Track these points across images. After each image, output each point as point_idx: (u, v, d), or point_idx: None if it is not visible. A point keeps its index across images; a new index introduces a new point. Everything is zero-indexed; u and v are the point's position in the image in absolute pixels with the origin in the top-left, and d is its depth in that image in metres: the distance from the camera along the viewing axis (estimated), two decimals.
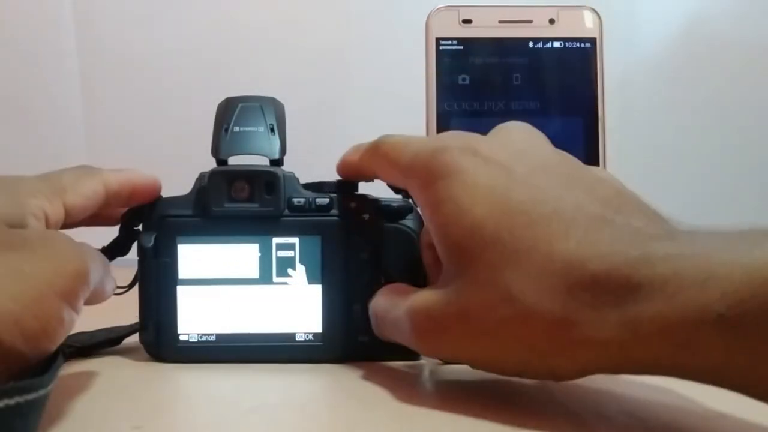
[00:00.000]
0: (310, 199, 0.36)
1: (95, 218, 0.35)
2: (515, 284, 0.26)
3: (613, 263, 0.24)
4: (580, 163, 0.30)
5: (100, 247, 0.35)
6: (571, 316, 0.24)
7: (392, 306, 0.31)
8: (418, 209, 0.34)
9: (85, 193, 0.32)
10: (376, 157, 0.33)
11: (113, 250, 0.36)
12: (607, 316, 0.24)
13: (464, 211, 0.27)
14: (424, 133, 0.37)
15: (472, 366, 0.29)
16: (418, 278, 0.35)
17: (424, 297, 0.29)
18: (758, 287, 0.20)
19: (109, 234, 0.36)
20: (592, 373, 0.26)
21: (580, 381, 0.26)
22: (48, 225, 0.30)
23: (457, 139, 0.30)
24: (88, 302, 0.28)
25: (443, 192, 0.28)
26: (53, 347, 0.25)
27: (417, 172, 0.30)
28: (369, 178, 0.35)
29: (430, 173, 0.29)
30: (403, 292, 0.31)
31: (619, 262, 0.24)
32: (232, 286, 0.36)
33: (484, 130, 0.31)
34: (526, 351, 0.26)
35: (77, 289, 0.26)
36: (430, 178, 0.29)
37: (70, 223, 0.32)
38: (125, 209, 0.36)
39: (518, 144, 0.30)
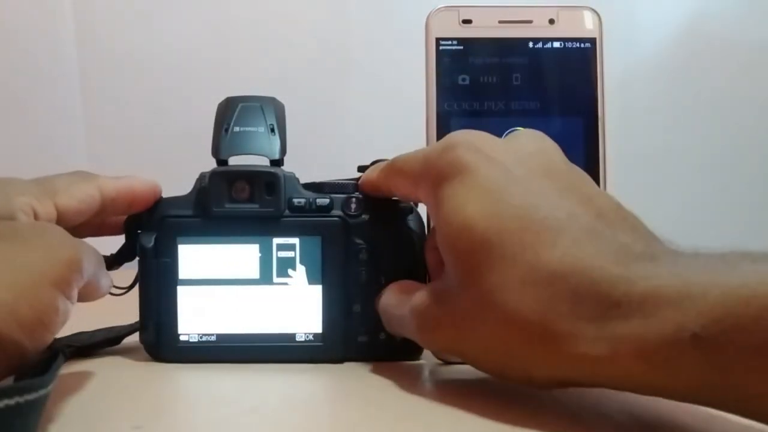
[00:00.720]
0: (311, 200, 0.36)
1: (98, 227, 0.35)
2: (498, 289, 0.26)
3: (594, 279, 0.24)
4: (587, 177, 0.30)
5: (108, 255, 0.35)
6: (549, 326, 0.24)
7: (398, 304, 0.32)
8: (426, 212, 0.34)
9: (79, 197, 0.32)
10: (391, 173, 0.33)
11: (121, 256, 0.36)
12: (584, 331, 0.24)
13: (458, 210, 0.28)
14: (424, 133, 0.37)
15: (464, 362, 0.29)
16: (417, 279, 0.35)
17: (424, 295, 0.30)
18: (733, 307, 0.20)
19: (115, 243, 0.36)
20: (570, 385, 0.26)
21: None
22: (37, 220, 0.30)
23: (466, 135, 0.30)
24: (83, 297, 0.28)
25: (446, 190, 0.29)
26: (50, 337, 0.25)
27: (428, 173, 0.30)
28: (387, 196, 0.35)
29: (439, 173, 0.29)
30: (409, 289, 0.32)
31: (599, 278, 0.24)
32: (232, 287, 0.36)
33: (484, 130, 0.31)
34: (506, 355, 0.26)
35: (70, 278, 0.26)
36: (438, 178, 0.29)
37: (64, 226, 0.31)
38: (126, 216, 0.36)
39: (526, 148, 0.29)
